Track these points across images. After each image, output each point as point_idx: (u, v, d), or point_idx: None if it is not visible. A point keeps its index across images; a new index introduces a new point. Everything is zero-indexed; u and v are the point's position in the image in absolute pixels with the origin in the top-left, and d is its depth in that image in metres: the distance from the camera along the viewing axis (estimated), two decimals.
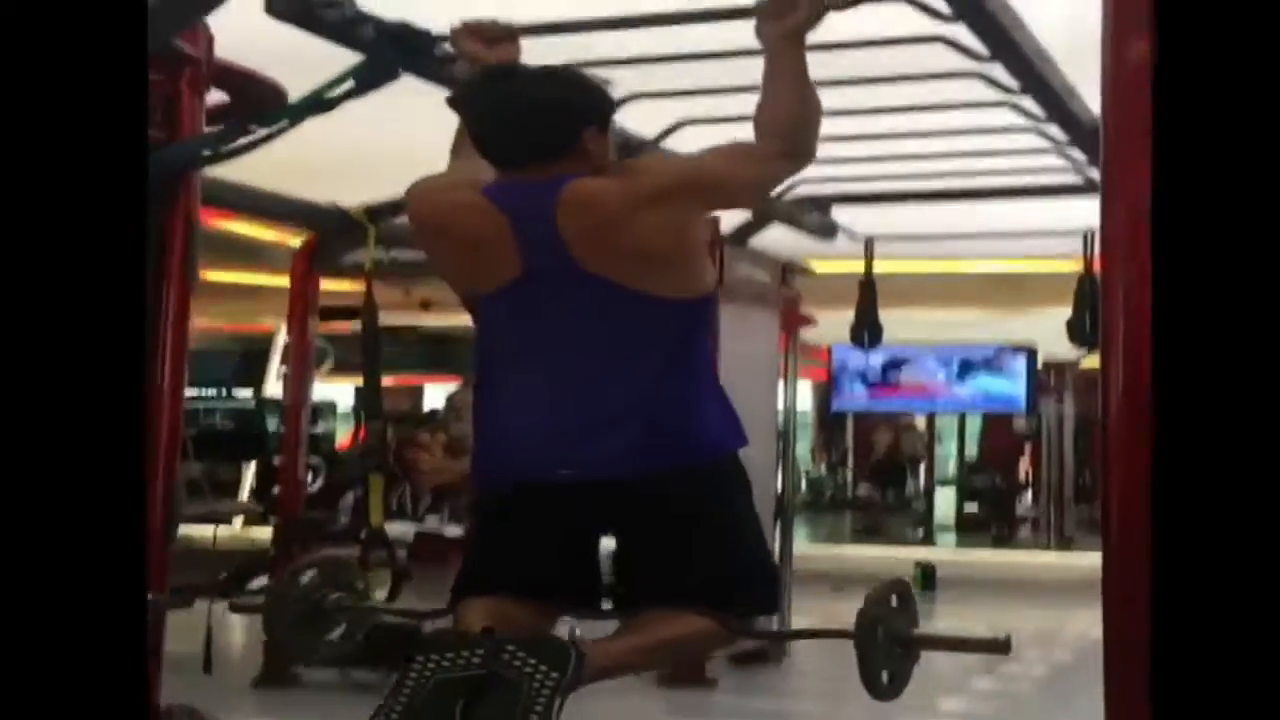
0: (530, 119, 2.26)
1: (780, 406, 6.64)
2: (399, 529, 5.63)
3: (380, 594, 5.38)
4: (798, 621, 7.11)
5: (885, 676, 2.22)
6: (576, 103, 2.30)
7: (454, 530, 5.63)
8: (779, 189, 4.96)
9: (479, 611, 2.22)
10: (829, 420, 17.21)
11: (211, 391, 11.35)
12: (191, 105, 3.21)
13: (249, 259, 9.44)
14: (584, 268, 2.22)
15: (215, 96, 3.42)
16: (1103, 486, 2.22)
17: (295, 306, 5.61)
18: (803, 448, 17.46)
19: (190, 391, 7.37)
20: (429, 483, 7.88)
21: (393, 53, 2.92)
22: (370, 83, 2.97)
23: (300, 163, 4.99)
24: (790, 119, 2.28)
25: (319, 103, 2.99)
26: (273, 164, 4.15)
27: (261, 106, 3.38)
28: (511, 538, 2.32)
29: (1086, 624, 7.56)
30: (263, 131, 3.03)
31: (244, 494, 10.30)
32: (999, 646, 2.32)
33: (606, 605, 2.33)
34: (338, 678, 5.39)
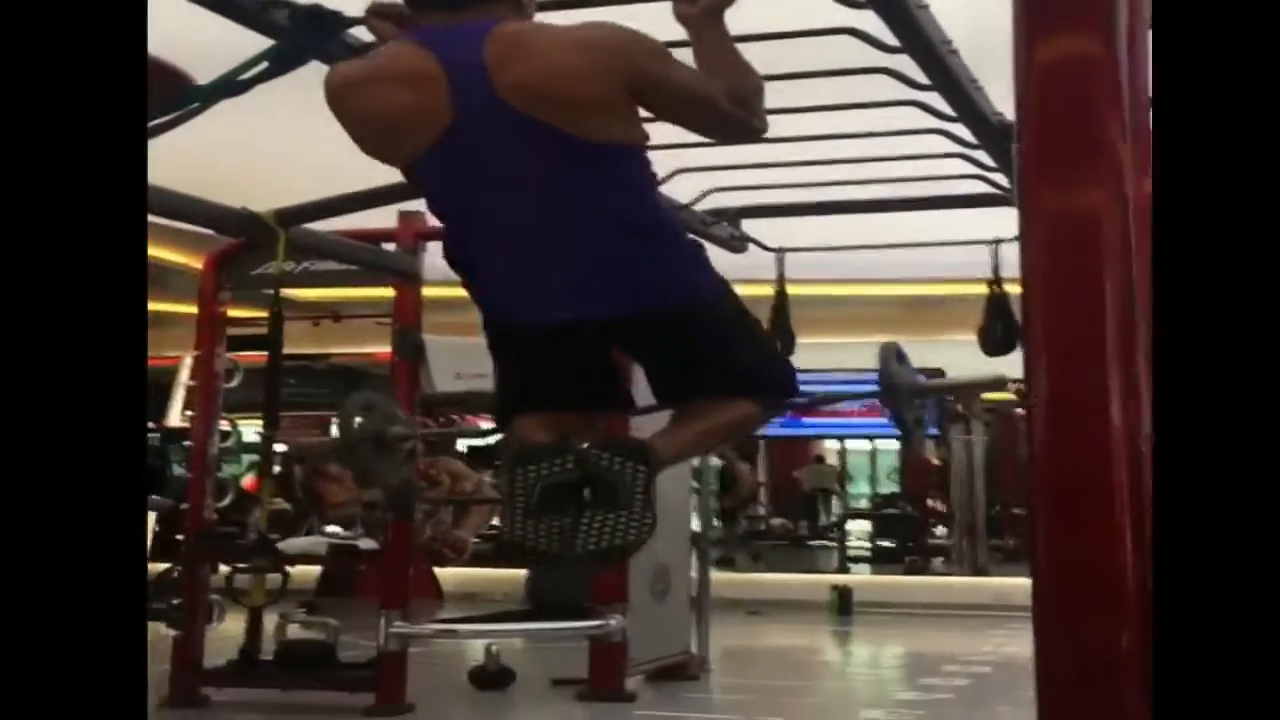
0: None
1: None
2: (312, 541, 5.59)
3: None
4: (716, 643, 7.14)
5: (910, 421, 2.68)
6: None
7: (368, 543, 5.57)
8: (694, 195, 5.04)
9: (534, 425, 2.34)
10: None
11: None
12: None
13: (151, 285, 9.32)
14: (513, 107, 2.19)
15: None
16: (1030, 509, 2.19)
17: (204, 321, 5.55)
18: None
19: None
20: (337, 514, 7.77)
21: (305, 36, 2.93)
22: (282, 66, 2.98)
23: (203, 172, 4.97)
24: (733, 90, 2.29)
25: (231, 85, 2.98)
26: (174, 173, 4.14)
27: (173, 93, 3.36)
28: (529, 365, 2.40)
29: (999, 643, 7.68)
30: (174, 114, 3.02)
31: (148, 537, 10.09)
32: (997, 385, 2.65)
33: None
34: (244, 697, 5.32)
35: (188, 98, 3.03)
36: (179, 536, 5.40)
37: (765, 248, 5.73)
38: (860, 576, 11.19)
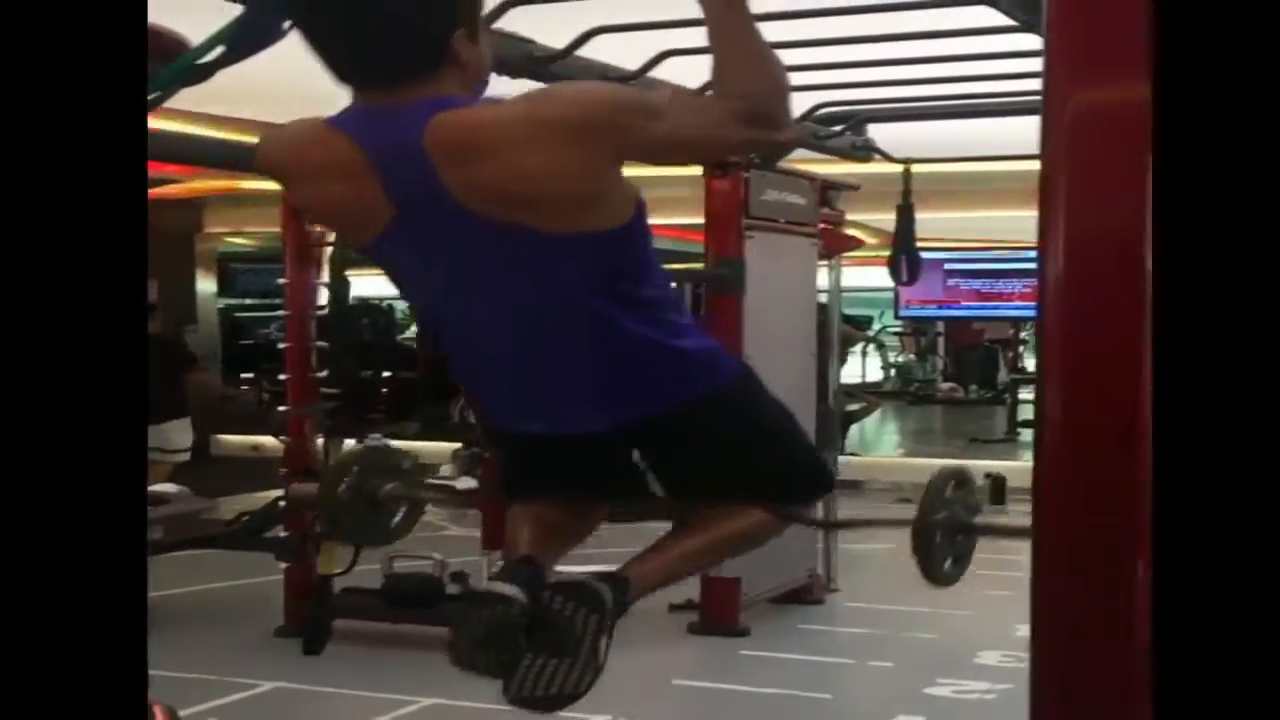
0: (385, 27, 1.76)
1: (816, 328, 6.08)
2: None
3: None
4: (856, 545, 6.62)
5: (947, 564, 2.06)
6: (437, 1, 1.79)
7: (467, 482, 5.23)
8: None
9: (526, 523, 2.08)
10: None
11: None
12: None
13: None
14: (471, 211, 1.76)
15: None
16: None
17: (293, 247, 5.22)
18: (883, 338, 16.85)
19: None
20: None
21: (264, 14, 2.40)
22: (247, 44, 2.46)
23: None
24: (751, 86, 1.79)
25: (190, 71, 2.49)
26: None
27: (164, 61, 2.89)
28: (531, 461, 2.09)
29: None
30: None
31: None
32: None
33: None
34: (353, 628, 5.10)
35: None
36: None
37: (890, 158, 5.00)
38: (1021, 463, 10.44)
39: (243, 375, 9.99)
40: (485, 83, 1.87)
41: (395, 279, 1.99)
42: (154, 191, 9.73)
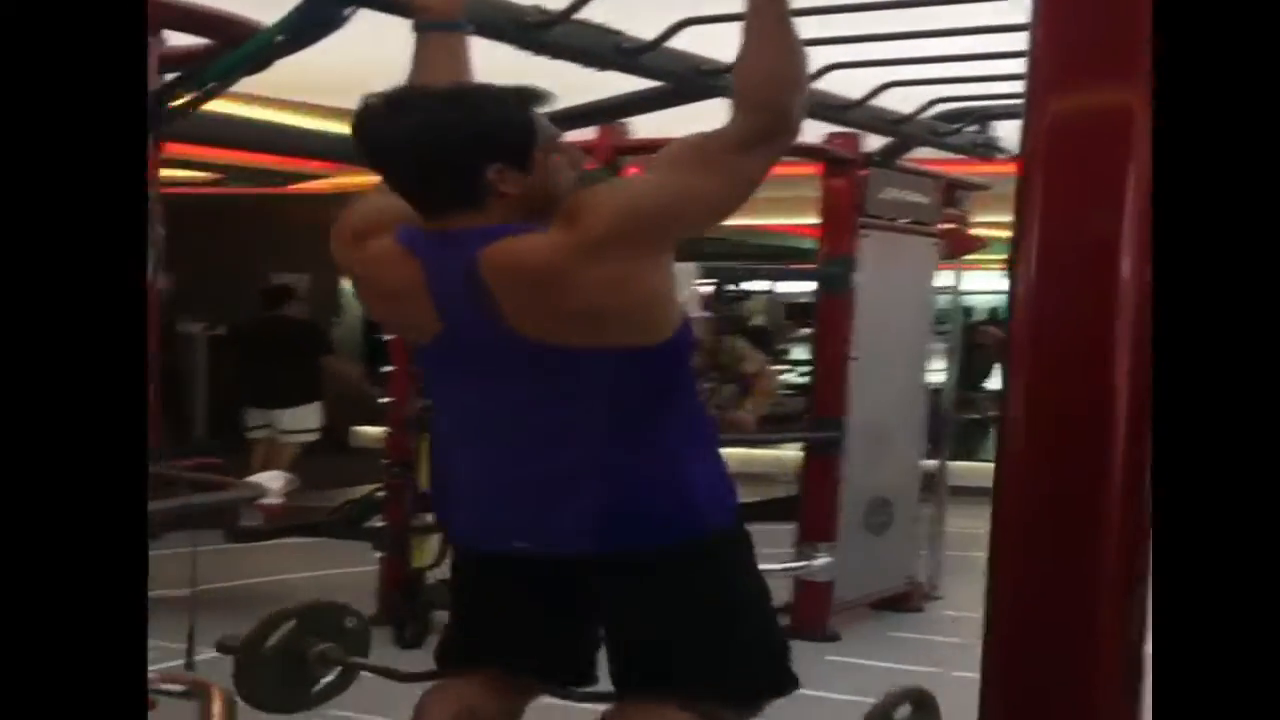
0: (421, 162, 1.82)
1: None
2: None
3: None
4: (969, 554, 6.36)
5: None
6: (473, 137, 1.81)
7: None
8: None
9: (445, 705, 2.03)
10: None
11: None
12: None
13: None
14: (519, 333, 1.83)
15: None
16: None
17: None
18: None
19: None
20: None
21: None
22: (308, 32, 2.43)
23: None
24: (769, 81, 1.83)
25: (250, 58, 2.48)
26: None
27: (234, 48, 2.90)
28: (486, 607, 2.09)
29: None
30: (194, 94, 2.54)
31: None
32: None
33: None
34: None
35: (203, 77, 2.55)
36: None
37: (1014, 156, 4.77)
38: None
39: (383, 369, 10.13)
40: (547, 204, 1.84)
41: (428, 378, 2.09)
42: (299, 186, 9.92)
